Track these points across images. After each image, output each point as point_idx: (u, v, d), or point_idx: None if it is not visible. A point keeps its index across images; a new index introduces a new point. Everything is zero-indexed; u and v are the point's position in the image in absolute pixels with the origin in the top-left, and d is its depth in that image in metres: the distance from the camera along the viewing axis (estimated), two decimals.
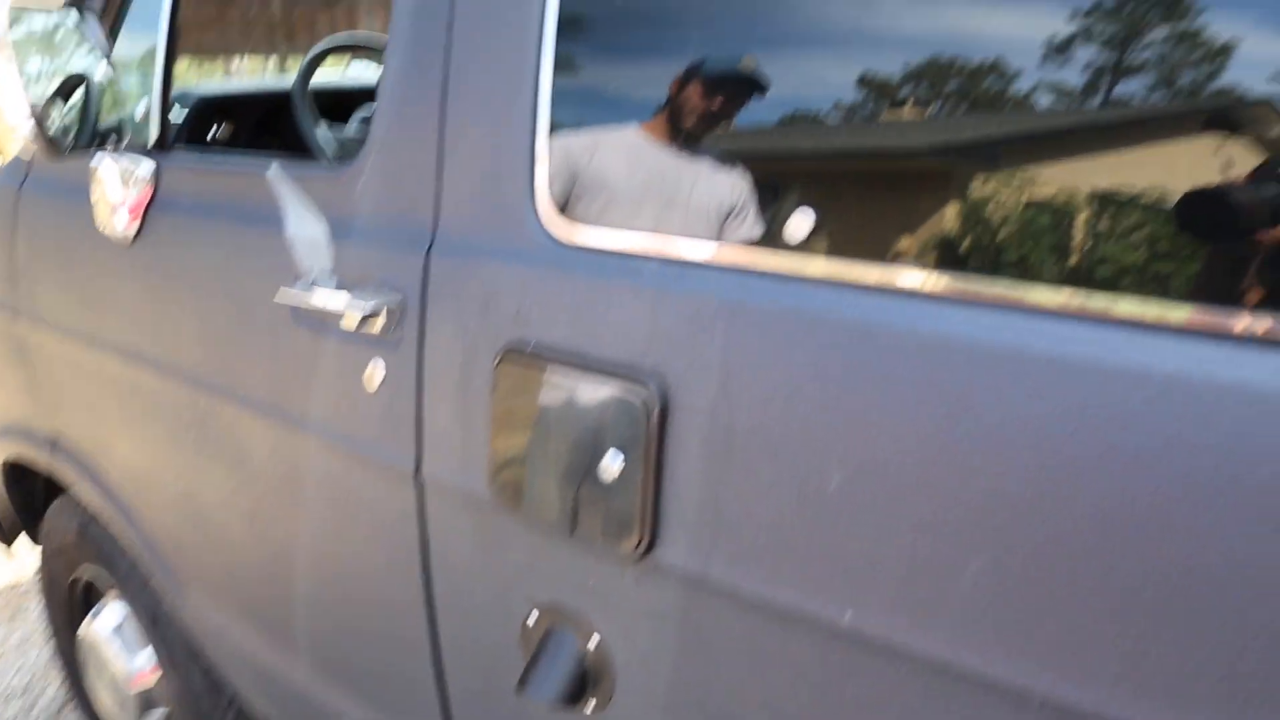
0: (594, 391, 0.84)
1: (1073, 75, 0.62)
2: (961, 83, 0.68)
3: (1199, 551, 0.57)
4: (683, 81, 0.82)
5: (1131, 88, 0.61)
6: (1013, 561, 0.64)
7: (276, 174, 1.18)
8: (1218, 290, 0.58)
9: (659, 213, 0.85)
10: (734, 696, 0.83)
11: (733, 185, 0.80)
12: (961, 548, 0.66)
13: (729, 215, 0.80)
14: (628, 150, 0.88)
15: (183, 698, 1.73)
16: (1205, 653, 0.58)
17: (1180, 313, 0.59)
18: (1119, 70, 0.61)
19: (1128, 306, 0.60)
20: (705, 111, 0.82)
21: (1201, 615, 0.57)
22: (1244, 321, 0.56)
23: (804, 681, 0.78)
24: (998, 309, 0.65)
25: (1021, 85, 0.65)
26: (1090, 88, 0.62)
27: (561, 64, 0.89)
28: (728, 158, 0.81)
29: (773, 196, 0.79)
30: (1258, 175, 0.57)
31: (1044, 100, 0.65)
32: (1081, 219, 0.64)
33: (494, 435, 0.93)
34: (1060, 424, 0.61)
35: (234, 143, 2.03)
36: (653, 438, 0.80)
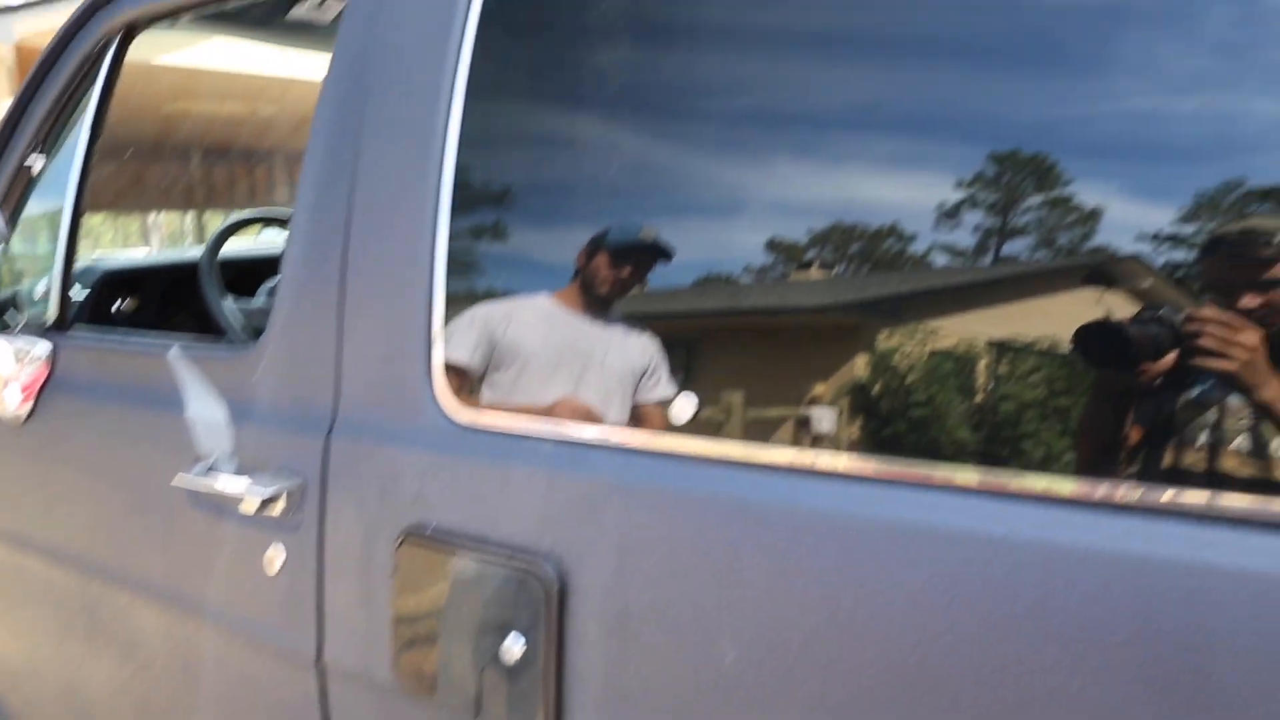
0: (494, 574, 0.83)
1: (963, 237, 0.67)
2: (860, 249, 0.73)
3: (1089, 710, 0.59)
4: (589, 252, 0.86)
5: (1015, 247, 0.66)
6: None
7: (176, 356, 1.17)
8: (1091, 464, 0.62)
9: (575, 378, 0.87)
10: None
11: (644, 348, 0.83)
12: (858, 716, 0.67)
13: (642, 377, 0.83)
14: (541, 318, 0.90)
15: None
16: None
17: (1043, 483, 0.62)
18: (1004, 232, 0.66)
19: (1005, 478, 0.64)
20: (612, 279, 0.86)
21: None
22: (1121, 491, 0.60)
23: None
24: (877, 484, 0.68)
25: (913, 266, 0.70)
26: (979, 249, 0.67)
27: (456, 250, 0.92)
28: (637, 322, 0.84)
29: (681, 359, 0.82)
30: (1136, 320, 0.61)
31: (934, 277, 0.70)
32: (959, 391, 0.68)
33: (396, 619, 0.91)
34: (937, 595, 0.63)
35: (140, 317, 2.01)
36: (552, 619, 0.79)
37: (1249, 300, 0.58)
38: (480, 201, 0.94)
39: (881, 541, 0.66)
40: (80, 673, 1.35)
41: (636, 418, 0.83)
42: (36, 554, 1.39)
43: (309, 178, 1.04)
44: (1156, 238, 0.60)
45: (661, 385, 0.81)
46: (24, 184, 1.59)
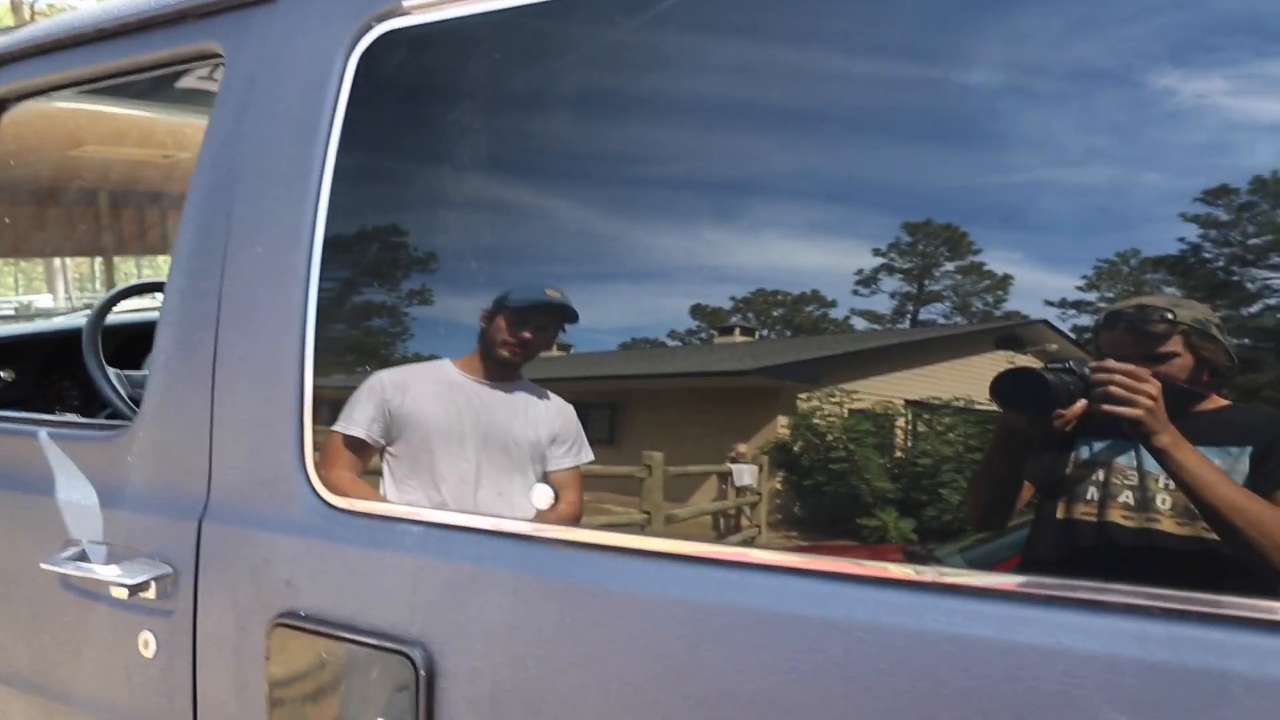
0: (363, 659, 0.83)
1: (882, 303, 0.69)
2: (781, 313, 0.75)
3: None
4: (490, 315, 0.85)
5: (932, 312, 0.68)
6: None
7: (46, 440, 1.14)
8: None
9: (479, 446, 0.85)
10: None
11: (553, 414, 0.82)
12: None
13: (551, 443, 0.82)
14: (441, 386, 0.89)
15: None
16: None
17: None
18: (920, 297, 0.69)
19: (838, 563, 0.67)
20: (512, 343, 0.84)
21: None
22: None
23: None
24: (722, 567, 0.71)
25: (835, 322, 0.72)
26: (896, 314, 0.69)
27: (326, 336, 0.92)
28: (542, 388, 0.83)
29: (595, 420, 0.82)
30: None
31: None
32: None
33: (270, 704, 0.90)
34: (769, 675, 0.66)
35: (18, 386, 1.92)
36: (421, 704, 0.79)
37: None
38: (350, 284, 0.95)
39: (733, 624, 0.68)
40: None
41: (547, 484, 0.82)
42: None
43: (180, 264, 1.03)
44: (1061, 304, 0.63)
45: (573, 452, 0.81)
46: None
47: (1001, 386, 0.65)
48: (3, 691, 1.17)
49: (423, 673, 0.79)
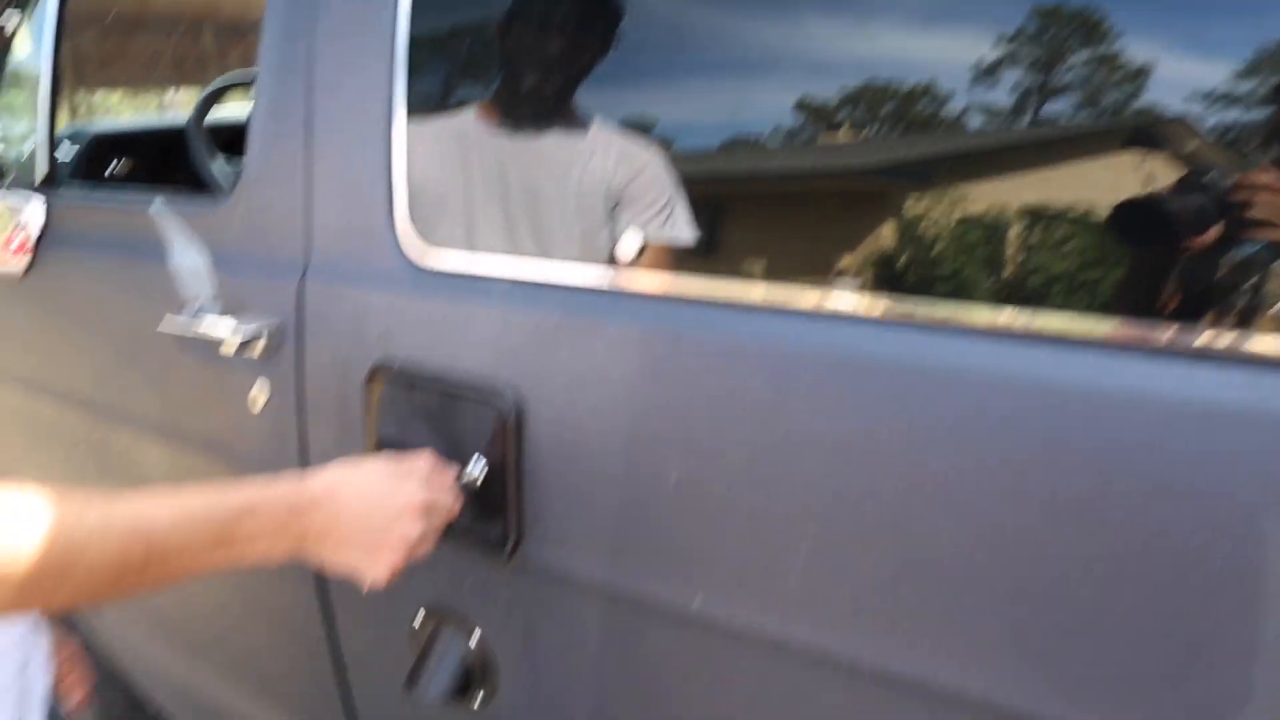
0: (456, 404, 0.85)
1: (1001, 96, 0.62)
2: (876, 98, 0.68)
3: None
4: (508, 30, 0.72)
5: (1058, 107, 0.61)
6: (835, 547, 0.67)
7: (159, 209, 1.16)
8: (1135, 304, 0.58)
9: (529, 204, 0.80)
10: (604, 683, 0.85)
11: (629, 164, 0.74)
12: (790, 535, 0.69)
13: (631, 199, 0.76)
14: (460, 139, 0.84)
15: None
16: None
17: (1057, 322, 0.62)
18: (1045, 91, 0.61)
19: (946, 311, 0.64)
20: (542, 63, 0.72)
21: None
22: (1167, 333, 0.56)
23: (663, 663, 0.80)
24: (814, 317, 0.68)
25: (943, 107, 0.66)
26: (1018, 108, 0.62)
27: (415, 97, 0.90)
28: (608, 129, 0.78)
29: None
30: (1178, 188, 0.56)
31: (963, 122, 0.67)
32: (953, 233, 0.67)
33: (370, 450, 0.93)
34: (862, 417, 0.65)
35: (133, 178, 1.97)
36: (511, 444, 0.81)
37: None
38: (439, 43, 0.91)
39: (821, 370, 0.67)
40: None
41: (609, 244, 0.78)
42: (48, 398, 1.41)
43: (271, 35, 1.01)
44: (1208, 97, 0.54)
45: (660, 219, 0.76)
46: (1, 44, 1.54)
47: (1122, 218, 0.57)
48: (141, 437, 1.25)
49: (511, 418, 0.81)
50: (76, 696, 0.97)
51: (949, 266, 0.65)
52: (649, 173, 0.76)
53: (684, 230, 0.74)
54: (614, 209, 0.79)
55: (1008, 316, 0.61)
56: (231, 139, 2.04)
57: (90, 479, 1.39)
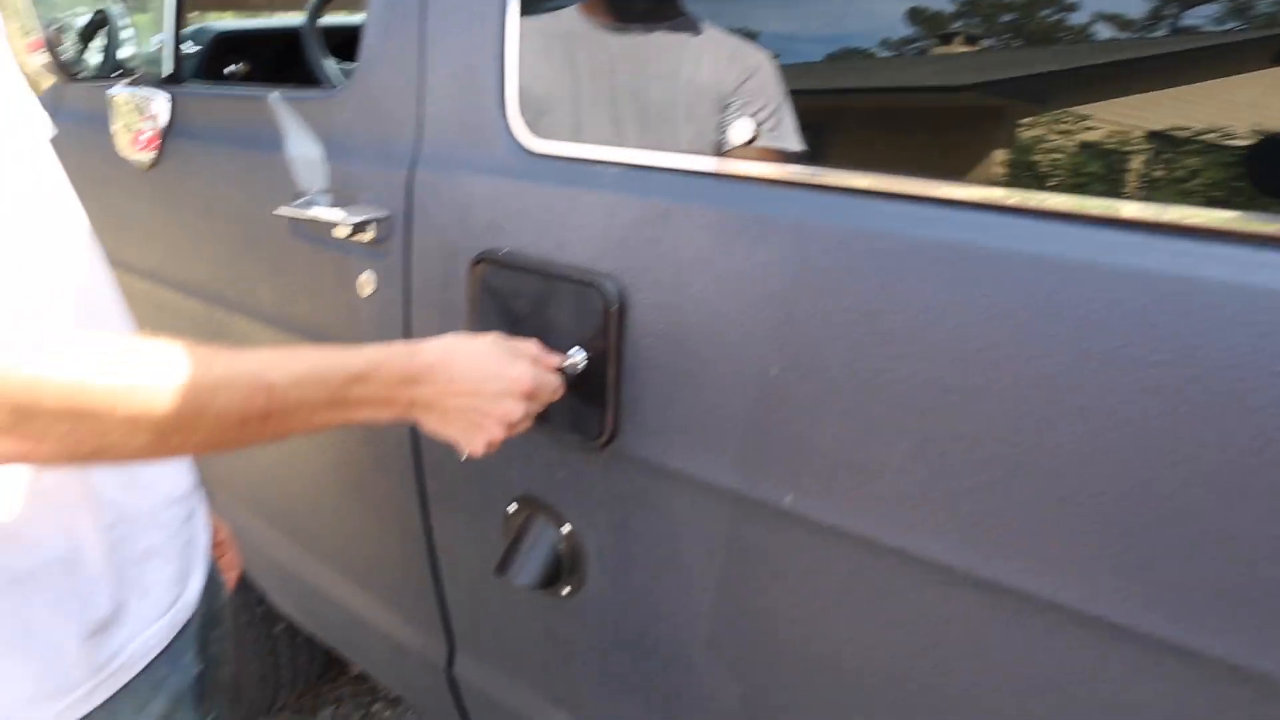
0: (558, 293, 0.85)
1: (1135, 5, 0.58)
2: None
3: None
4: None
5: (1195, 18, 0.56)
6: (937, 444, 0.65)
7: (277, 100, 1.18)
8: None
9: (649, 98, 0.79)
10: (692, 576, 0.85)
11: (737, 63, 0.73)
12: (889, 432, 0.67)
13: (738, 102, 0.75)
14: (565, 41, 0.83)
15: None
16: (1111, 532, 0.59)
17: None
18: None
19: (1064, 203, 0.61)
20: None
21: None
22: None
23: (752, 560, 0.80)
24: (922, 203, 0.65)
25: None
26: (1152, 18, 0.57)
27: None
28: (714, 29, 0.76)
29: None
30: None
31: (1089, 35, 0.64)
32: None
33: None
34: (969, 312, 0.62)
35: (250, 77, 2.02)
36: (613, 333, 0.81)
37: None
38: None
39: (931, 260, 0.64)
40: None
41: (716, 141, 0.77)
42: (170, 288, 1.48)
43: None
44: None
45: (769, 125, 0.74)
46: None
47: (1255, 162, 0.52)
48: (253, 324, 1.30)
49: (614, 305, 0.80)
50: (231, 577, 1.02)
51: (1073, 160, 0.61)
52: (759, 77, 0.75)
53: (791, 138, 0.73)
54: (723, 111, 0.77)
55: (1137, 209, 0.57)
56: (341, 43, 2.08)
57: None
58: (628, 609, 0.93)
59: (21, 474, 0.66)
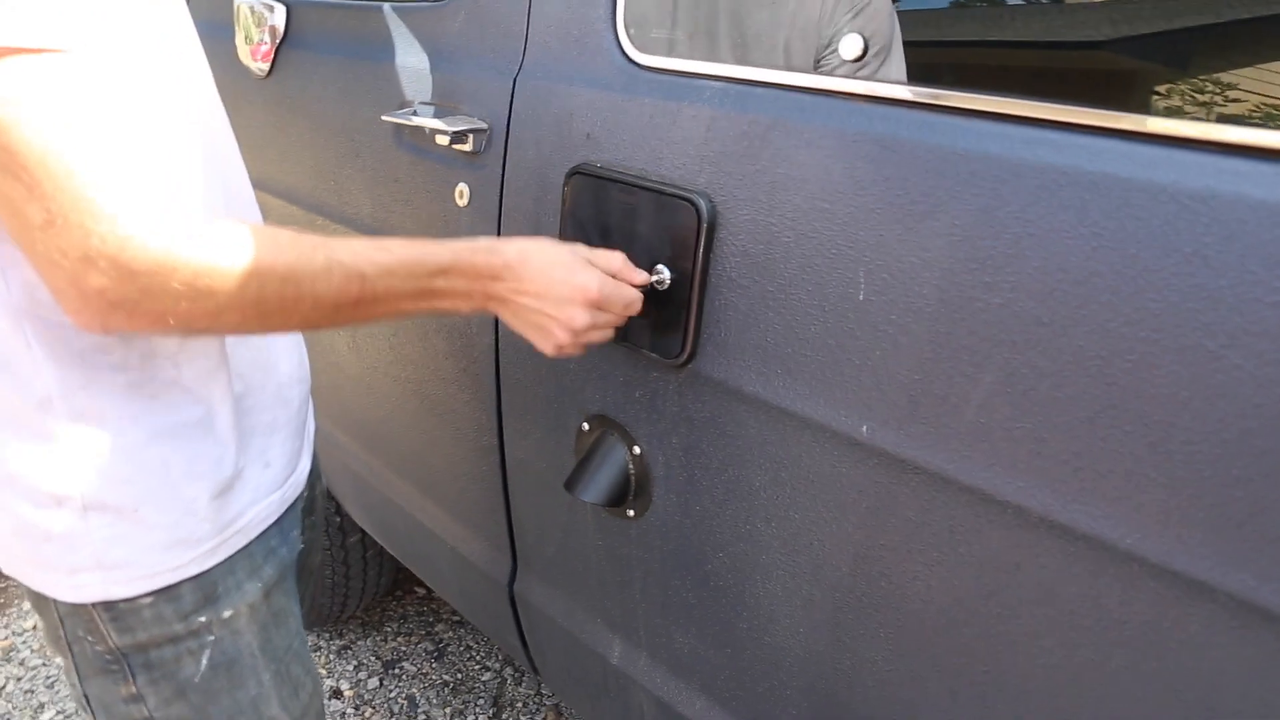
0: (649, 208, 0.84)
1: None
2: None
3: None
4: None
5: None
6: (1024, 380, 0.63)
7: (389, 11, 1.20)
8: None
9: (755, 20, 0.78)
10: (758, 504, 0.85)
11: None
12: (974, 364, 0.65)
13: (847, 34, 0.74)
14: None
15: None
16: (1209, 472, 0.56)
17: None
18: None
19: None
20: None
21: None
22: None
23: (820, 493, 0.79)
24: (1028, 125, 0.63)
25: None
26: None
27: None
28: None
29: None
30: None
31: None
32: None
33: None
34: (1083, 239, 0.59)
35: None
36: (700, 251, 0.80)
37: None
38: None
39: (1039, 184, 0.61)
40: None
41: (823, 61, 0.77)
42: (275, 195, 1.52)
43: None
44: None
45: (877, 61, 0.74)
46: None
47: None
48: (351, 233, 1.33)
49: (705, 222, 0.80)
50: None
51: (1194, 84, 0.58)
52: (869, 11, 0.73)
53: (898, 76, 0.71)
54: (829, 42, 0.76)
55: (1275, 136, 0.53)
56: None
57: None
58: (690, 535, 0.93)
59: (167, 343, 0.71)
